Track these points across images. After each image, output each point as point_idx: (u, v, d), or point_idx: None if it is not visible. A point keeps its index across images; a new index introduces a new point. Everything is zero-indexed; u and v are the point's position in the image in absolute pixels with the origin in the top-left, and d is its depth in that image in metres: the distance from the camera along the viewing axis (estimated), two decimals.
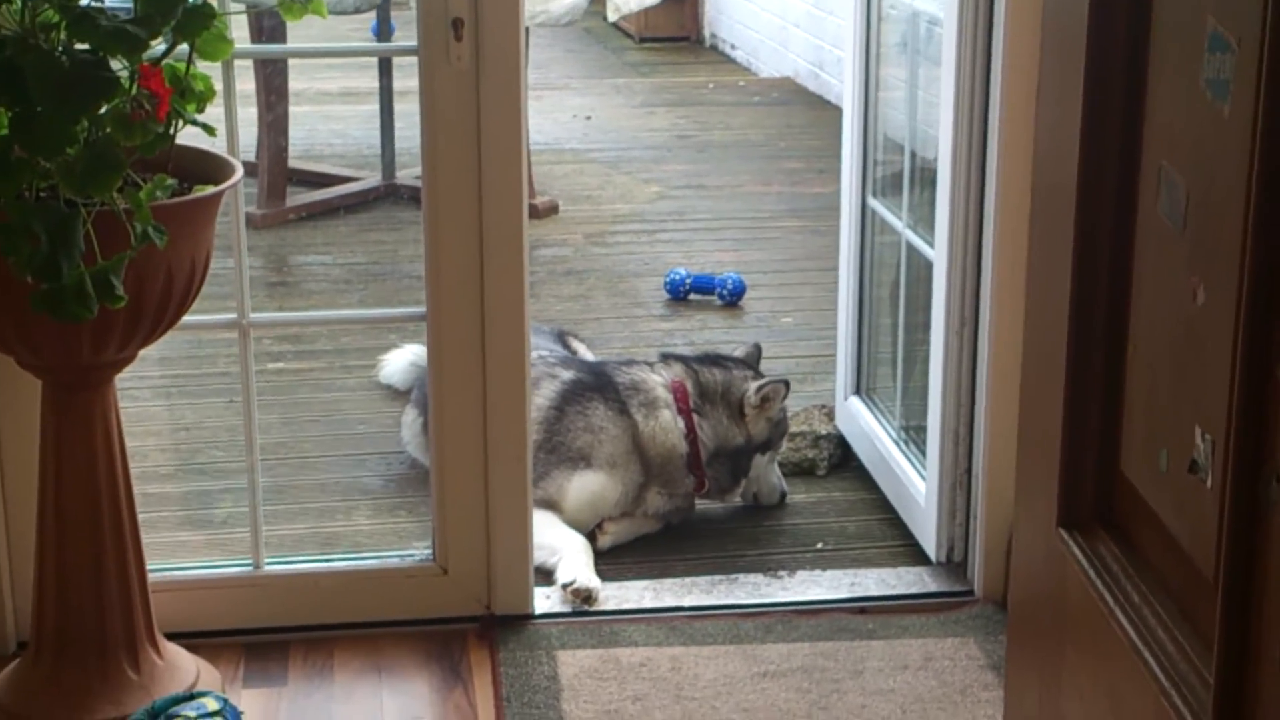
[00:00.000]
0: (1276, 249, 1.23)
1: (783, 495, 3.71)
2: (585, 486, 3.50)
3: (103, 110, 2.35)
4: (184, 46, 2.50)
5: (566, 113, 7.80)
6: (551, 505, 3.45)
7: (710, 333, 4.84)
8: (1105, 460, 1.63)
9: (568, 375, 3.67)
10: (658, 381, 3.64)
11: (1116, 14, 1.53)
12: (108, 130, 2.36)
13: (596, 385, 3.63)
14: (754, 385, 3.63)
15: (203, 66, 2.56)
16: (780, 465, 3.83)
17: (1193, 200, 1.44)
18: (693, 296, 5.11)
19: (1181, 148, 1.46)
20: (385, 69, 6.17)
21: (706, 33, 10.00)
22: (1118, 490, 1.62)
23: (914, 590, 3.27)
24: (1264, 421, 1.24)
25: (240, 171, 2.67)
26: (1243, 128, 1.27)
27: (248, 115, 5.72)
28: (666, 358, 3.76)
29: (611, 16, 6.17)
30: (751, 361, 3.80)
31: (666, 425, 3.57)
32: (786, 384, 3.68)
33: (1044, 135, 1.78)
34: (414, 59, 2.89)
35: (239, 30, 5.64)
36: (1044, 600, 1.83)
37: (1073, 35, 1.58)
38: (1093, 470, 1.65)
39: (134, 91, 2.37)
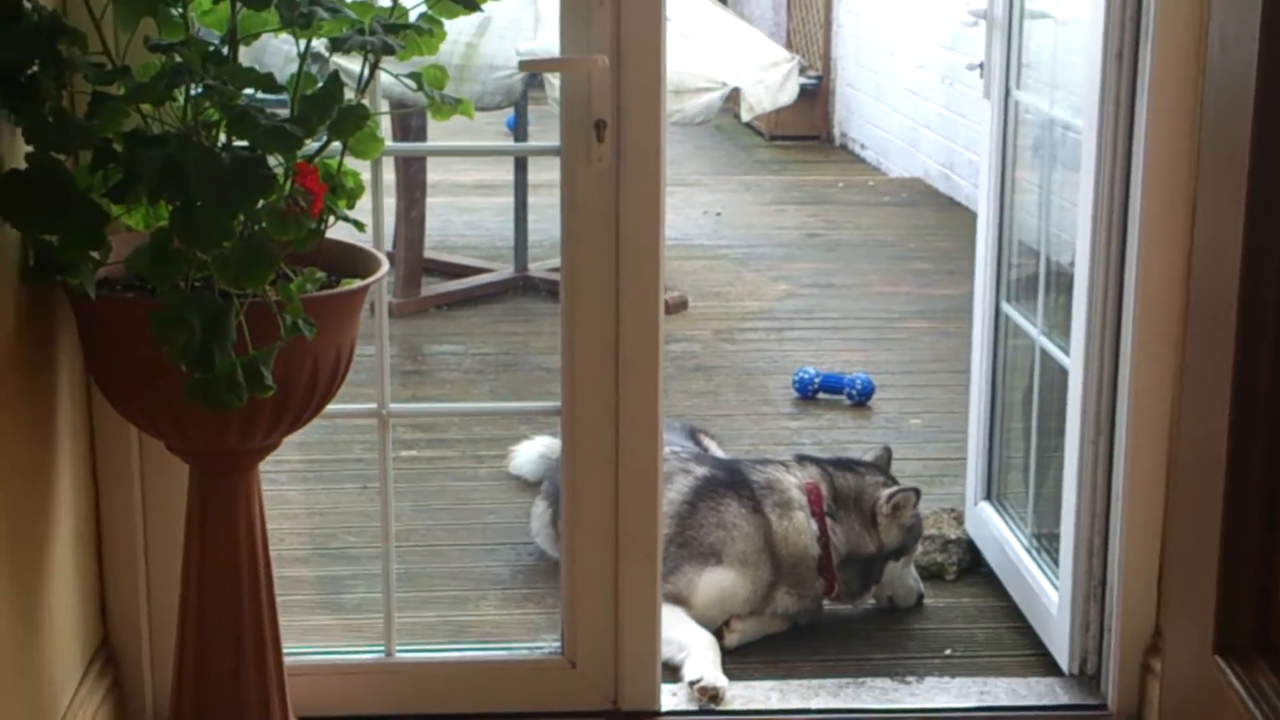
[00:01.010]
0: None
1: (920, 597, 3.69)
2: (715, 583, 3.50)
3: (259, 206, 2.42)
4: (336, 144, 2.57)
5: (697, 209, 7.86)
6: (680, 600, 3.45)
7: (838, 432, 4.83)
8: (1264, 586, 1.61)
9: (701, 471, 3.69)
10: (792, 482, 3.64)
11: (1277, 144, 1.53)
12: (263, 225, 2.43)
13: (730, 482, 3.64)
14: (886, 493, 3.62)
15: (351, 163, 2.64)
16: None
17: None
18: (821, 396, 5.11)
19: None
20: (520, 164, 6.28)
21: (837, 132, 10.06)
22: (1277, 618, 1.60)
23: (1045, 702, 3.23)
24: None
25: (386, 266, 2.72)
26: None
27: (387, 206, 5.85)
28: (801, 459, 3.76)
29: (745, 116, 6.22)
30: (882, 465, 3.79)
31: (800, 527, 3.57)
32: (917, 491, 3.67)
33: (1202, 255, 1.78)
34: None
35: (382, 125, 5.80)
36: None
37: (1235, 156, 1.58)
38: (1251, 596, 1.63)
39: (289, 188, 2.44)
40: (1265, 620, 1.63)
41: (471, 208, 7.64)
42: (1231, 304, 1.64)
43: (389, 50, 2.54)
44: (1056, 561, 3.38)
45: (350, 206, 2.62)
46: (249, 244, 2.41)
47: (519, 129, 6.30)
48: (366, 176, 2.79)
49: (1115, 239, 3.12)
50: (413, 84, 2.61)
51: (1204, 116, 1.76)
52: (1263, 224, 1.61)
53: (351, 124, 2.52)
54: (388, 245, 5.76)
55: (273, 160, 2.43)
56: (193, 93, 2.43)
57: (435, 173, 7.76)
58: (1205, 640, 1.68)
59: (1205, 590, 1.69)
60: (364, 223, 2.63)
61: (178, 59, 2.42)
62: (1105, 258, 3.13)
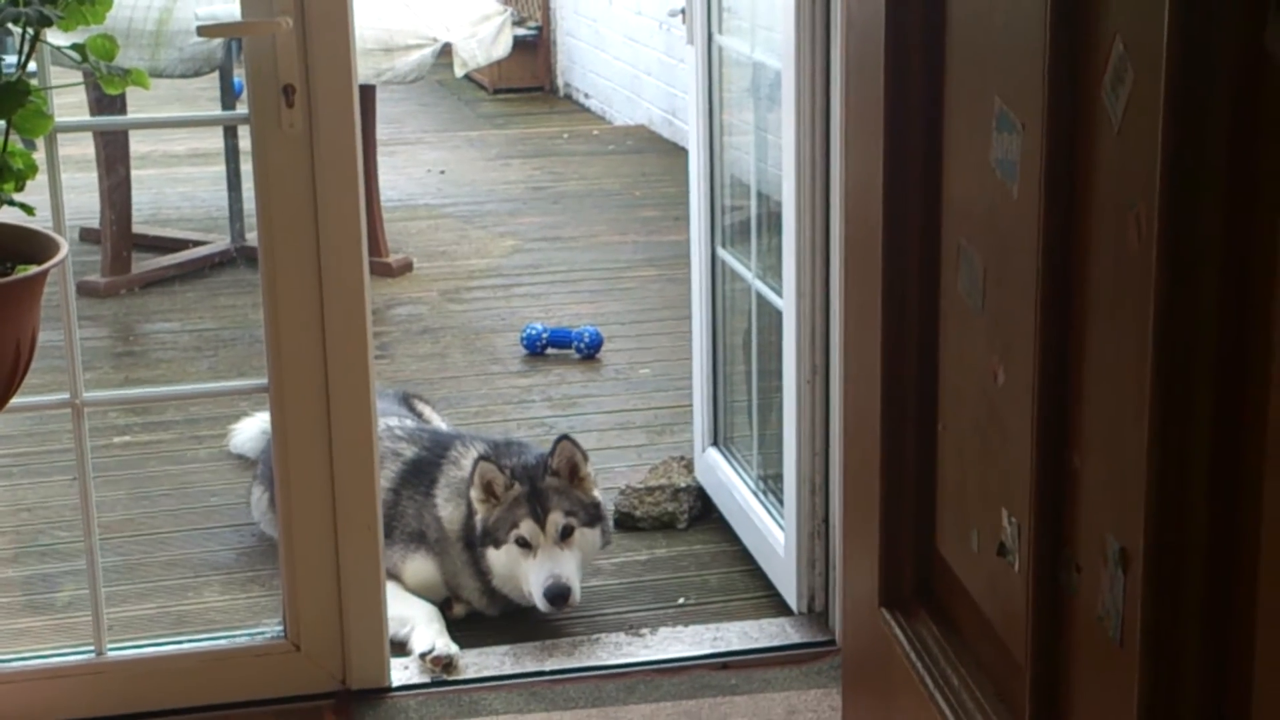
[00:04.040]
0: (1066, 333, 1.22)
1: (550, 593, 3.26)
2: (418, 570, 3.43)
3: None
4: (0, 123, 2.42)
5: (420, 168, 7.74)
6: (395, 578, 3.37)
7: (568, 387, 4.80)
8: (922, 539, 1.62)
9: (410, 454, 3.57)
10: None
11: (911, 90, 1.53)
12: None
13: (435, 466, 3.54)
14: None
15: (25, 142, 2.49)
16: (641, 520, 3.80)
17: (989, 279, 1.44)
18: (550, 351, 5.07)
19: (977, 225, 1.46)
20: (231, 131, 6.07)
21: (560, 82, 10.01)
22: (936, 570, 1.61)
23: (776, 642, 3.25)
24: (1061, 508, 1.22)
25: (65, 249, 2.57)
26: (1030, 208, 1.27)
27: (90, 181, 5.60)
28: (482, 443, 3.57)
29: (459, 72, 6.12)
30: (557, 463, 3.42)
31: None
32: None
33: (852, 210, 1.78)
34: None
35: (77, 97, 5.54)
36: (871, 676, 1.82)
37: (871, 110, 1.57)
38: (911, 549, 1.64)
39: None
40: (926, 572, 1.65)
41: (185, 178, 7.39)
42: (876, 264, 1.65)
43: (46, 21, 2.39)
44: (783, 503, 3.40)
45: (19, 189, 2.47)
46: None
47: (224, 97, 6.08)
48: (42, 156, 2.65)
49: (820, 179, 3.15)
50: (77, 56, 2.47)
51: (845, 55, 1.76)
52: (900, 180, 1.61)
53: (11, 101, 2.37)
54: (91, 221, 5.56)
55: None
56: None
57: (146, 143, 7.50)
58: (873, 593, 1.69)
59: (871, 544, 1.70)
60: (33, 207, 2.48)
61: None
62: (810, 198, 3.16)
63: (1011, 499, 1.36)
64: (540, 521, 3.31)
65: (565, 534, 3.33)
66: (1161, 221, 1.08)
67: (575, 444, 3.42)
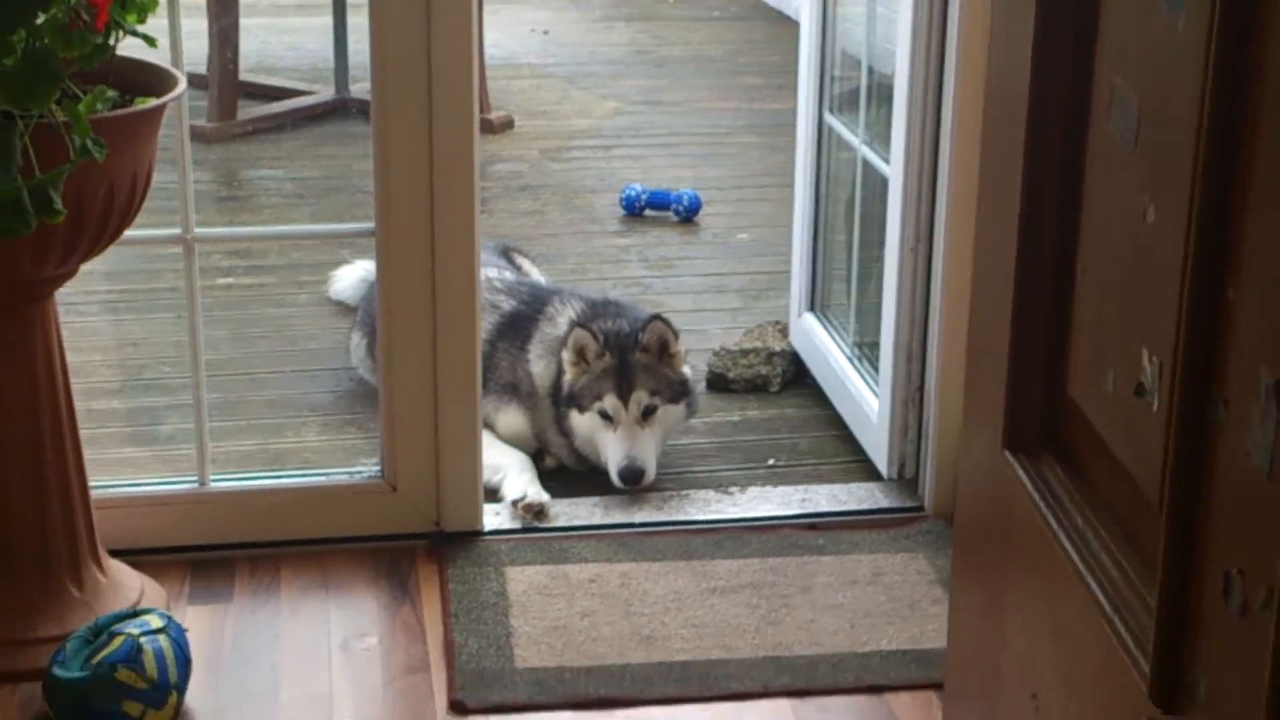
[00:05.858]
0: (1227, 166, 1.20)
1: (624, 474, 3.31)
2: (510, 423, 3.48)
3: (40, 20, 2.30)
4: None
5: (524, 26, 7.71)
6: (489, 427, 3.41)
7: (665, 249, 4.81)
8: (1052, 383, 1.62)
9: (508, 306, 3.61)
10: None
11: None
12: (45, 40, 2.31)
13: (531, 321, 3.57)
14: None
15: None
16: (734, 382, 3.82)
17: (1145, 117, 1.42)
18: (648, 212, 5.07)
19: (1134, 63, 1.44)
20: None
21: None
22: (1064, 413, 1.61)
23: (865, 506, 3.28)
24: (1213, 342, 1.22)
25: (183, 83, 2.62)
26: (1197, 43, 1.25)
27: (199, 27, 5.63)
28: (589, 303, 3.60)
29: None
30: (650, 341, 3.43)
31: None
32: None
33: (997, 50, 1.76)
34: None
35: None
36: (989, 522, 1.82)
37: None
38: (1040, 392, 1.64)
39: (72, 1, 2.32)
40: (1054, 416, 1.65)
41: (291, 28, 7.40)
42: (1022, 104, 1.63)
43: None
44: (877, 370, 3.41)
45: (140, 21, 2.50)
46: (31, 61, 2.30)
47: None
48: None
49: (934, 48, 3.11)
50: None
51: None
52: (1053, 18, 1.59)
53: None
54: (198, 67, 5.58)
55: None
56: None
57: None
58: (996, 436, 1.70)
59: (998, 388, 1.70)
60: (155, 39, 2.51)
61: None
62: (924, 66, 3.12)
63: (1154, 338, 1.36)
64: (624, 398, 3.35)
65: (647, 413, 3.37)
66: None
67: (667, 323, 3.45)
